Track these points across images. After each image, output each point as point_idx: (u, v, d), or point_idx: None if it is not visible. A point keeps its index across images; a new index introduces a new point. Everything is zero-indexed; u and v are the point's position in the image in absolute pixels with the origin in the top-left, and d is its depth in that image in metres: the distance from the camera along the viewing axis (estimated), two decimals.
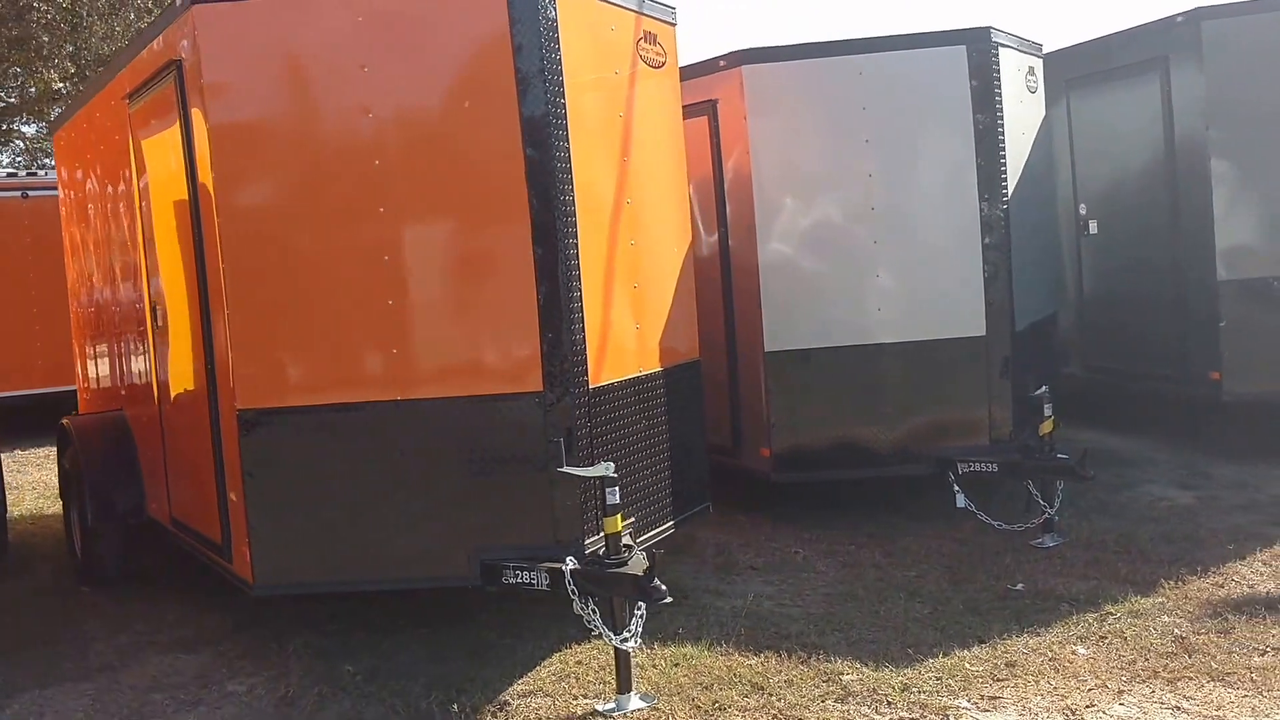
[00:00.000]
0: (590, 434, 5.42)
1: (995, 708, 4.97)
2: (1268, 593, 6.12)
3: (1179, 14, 8.49)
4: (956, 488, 7.40)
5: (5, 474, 8.29)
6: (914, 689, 5.16)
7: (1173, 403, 9.32)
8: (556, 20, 5.26)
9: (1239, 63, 8.31)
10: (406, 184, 5.25)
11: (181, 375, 6.05)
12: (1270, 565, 6.52)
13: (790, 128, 7.55)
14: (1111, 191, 9.41)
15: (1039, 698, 5.01)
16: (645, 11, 6.15)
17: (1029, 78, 8.15)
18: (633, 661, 5.21)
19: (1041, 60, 8.46)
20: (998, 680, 5.23)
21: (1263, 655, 5.29)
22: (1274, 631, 5.55)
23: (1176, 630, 5.64)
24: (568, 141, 5.29)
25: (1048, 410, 7.22)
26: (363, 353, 5.31)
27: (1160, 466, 8.82)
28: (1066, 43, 9.89)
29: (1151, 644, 5.50)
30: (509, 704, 5.25)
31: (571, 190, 5.29)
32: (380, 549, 5.38)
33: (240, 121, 5.33)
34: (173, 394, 6.26)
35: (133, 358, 7.24)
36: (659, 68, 6.25)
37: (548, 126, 5.21)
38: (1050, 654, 5.48)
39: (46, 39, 23.12)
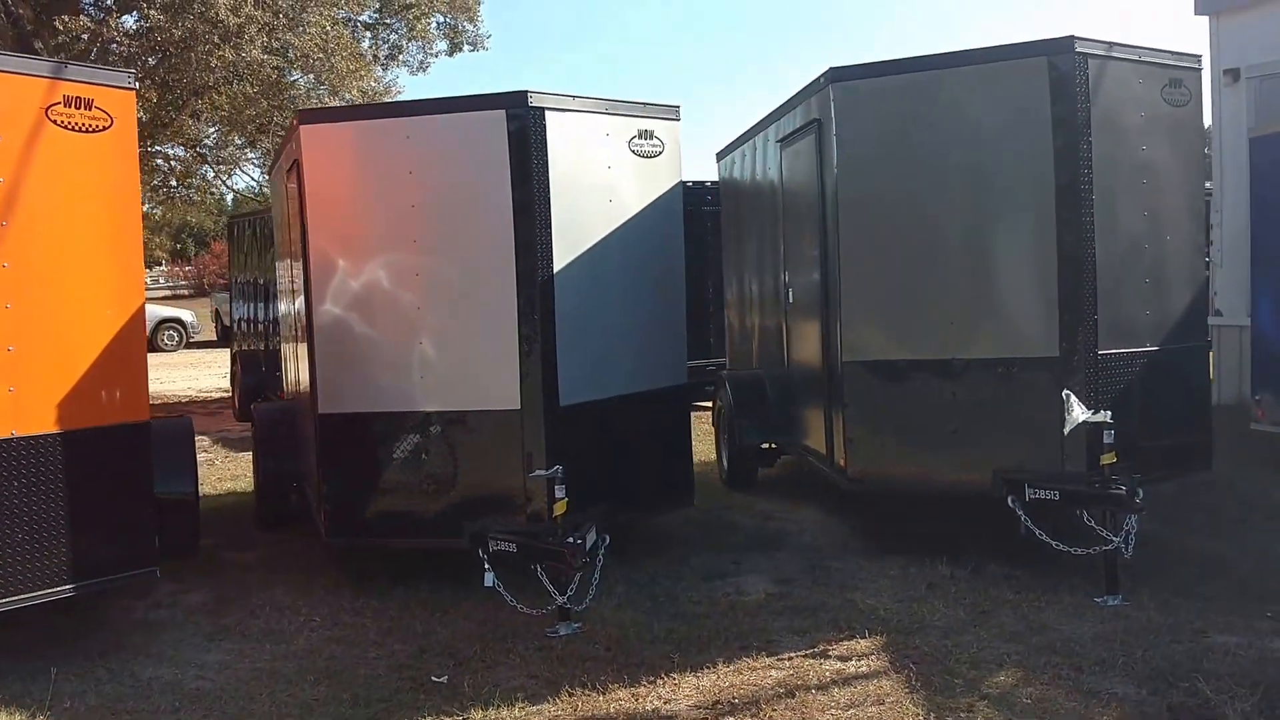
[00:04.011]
0: None
1: None
2: (663, 711, 5.64)
3: (823, 74, 7.93)
4: (487, 565, 7.09)
5: None
6: None
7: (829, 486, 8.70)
8: None
9: (869, 129, 7.71)
10: None
11: None
12: (714, 679, 6.01)
13: (343, 190, 7.45)
14: (799, 261, 8.86)
15: None
16: (69, 77, 6.19)
17: (640, 141, 7.78)
18: None
19: (675, 122, 8.05)
20: None
21: None
22: None
23: None
24: None
25: (559, 492, 6.87)
26: None
27: (795, 553, 8.25)
28: None
29: None
30: None
31: None
32: None
33: None
34: None
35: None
36: (96, 131, 6.27)
37: None
38: None
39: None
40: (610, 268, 7.61)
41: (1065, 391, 6.95)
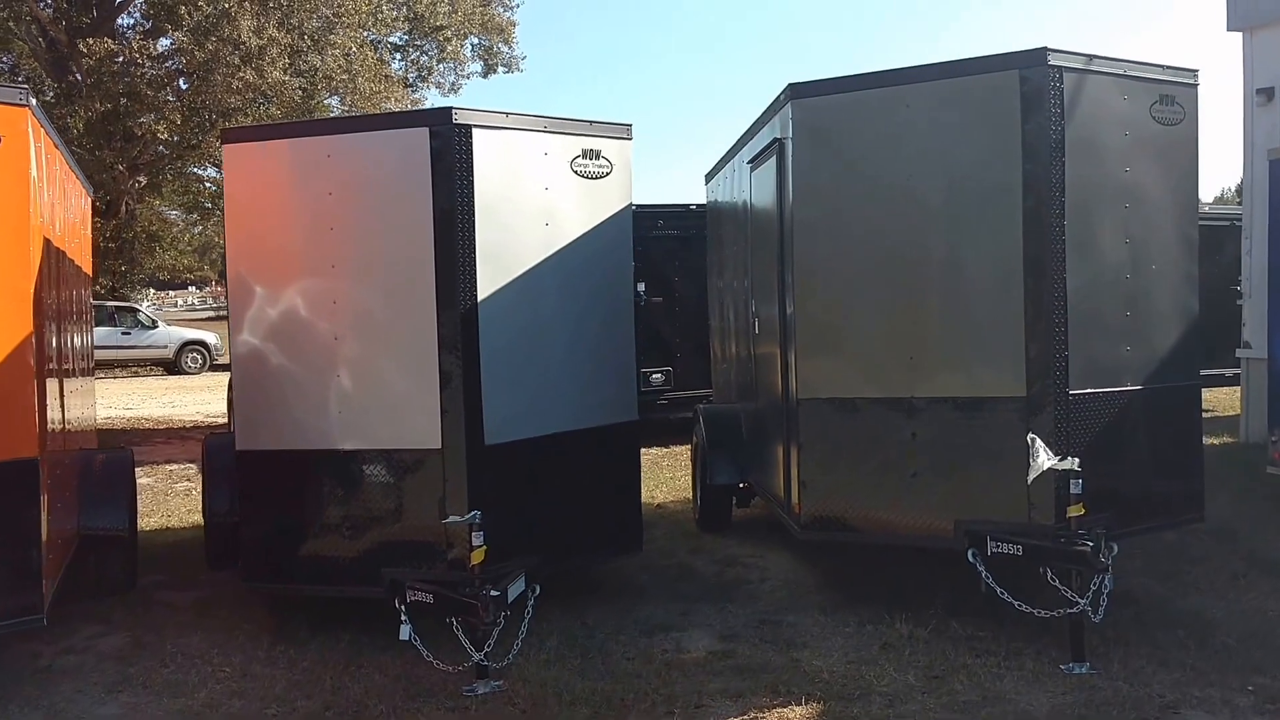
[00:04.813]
0: None
1: None
2: None
3: (784, 90, 7.41)
4: (404, 617, 6.59)
5: None
6: None
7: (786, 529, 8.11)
8: None
9: (829, 149, 7.17)
10: None
11: None
12: None
13: (264, 212, 7.04)
14: (764, 289, 8.30)
15: None
16: None
17: (584, 161, 7.30)
18: None
19: (625, 141, 7.56)
20: None
21: None
22: None
23: None
24: None
25: (477, 539, 6.36)
26: None
27: (751, 604, 7.68)
28: None
29: None
30: None
31: None
32: None
33: None
34: None
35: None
36: None
37: None
38: None
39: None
40: (548, 295, 7.13)
41: (1030, 435, 6.34)
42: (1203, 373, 16.53)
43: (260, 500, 7.10)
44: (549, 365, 7.14)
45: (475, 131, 6.66)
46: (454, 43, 34.26)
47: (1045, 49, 6.53)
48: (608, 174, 7.46)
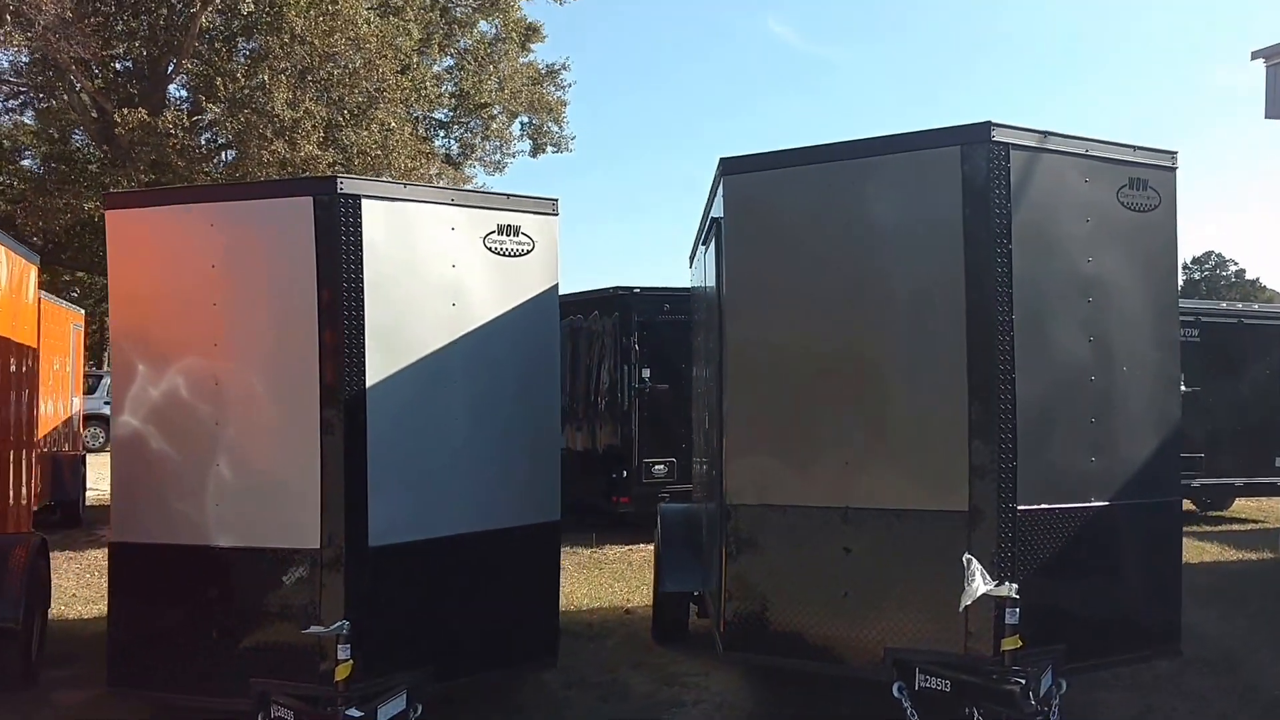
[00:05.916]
0: None
1: None
2: None
3: (718, 166, 6.82)
4: None
5: None
6: None
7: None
8: None
9: (760, 232, 6.57)
10: None
11: None
12: None
13: (147, 284, 6.57)
14: (710, 380, 7.63)
15: None
16: None
17: (500, 237, 6.75)
18: None
19: (550, 217, 7.01)
20: None
21: None
22: None
23: None
24: None
25: (342, 653, 5.74)
26: None
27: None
28: None
29: None
30: None
31: None
32: None
33: None
34: None
35: None
36: None
37: None
38: None
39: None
40: (453, 381, 6.54)
41: (966, 556, 5.59)
42: (1257, 480, 15.92)
43: (129, 598, 6.53)
44: (452, 460, 6.53)
45: (365, 202, 6.15)
46: (499, 120, 34.26)
47: (989, 124, 5.89)
48: (528, 252, 6.90)
